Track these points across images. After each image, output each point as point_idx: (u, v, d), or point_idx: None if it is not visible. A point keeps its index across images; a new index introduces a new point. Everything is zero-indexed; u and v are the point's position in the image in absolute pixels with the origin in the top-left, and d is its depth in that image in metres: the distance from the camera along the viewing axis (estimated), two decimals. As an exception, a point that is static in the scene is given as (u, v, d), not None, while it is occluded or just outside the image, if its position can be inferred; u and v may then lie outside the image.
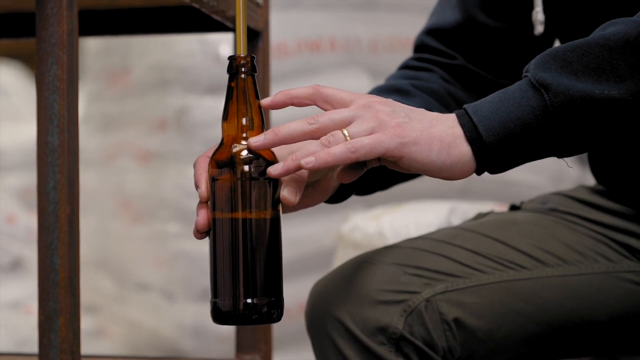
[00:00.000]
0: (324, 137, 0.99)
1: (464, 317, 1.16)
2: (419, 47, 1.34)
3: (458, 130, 1.01)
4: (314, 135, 1.00)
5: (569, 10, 1.25)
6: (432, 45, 1.32)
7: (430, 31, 1.33)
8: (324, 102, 1.03)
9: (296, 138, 1.01)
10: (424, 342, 1.14)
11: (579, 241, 1.24)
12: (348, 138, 0.98)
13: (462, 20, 1.31)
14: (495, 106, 1.01)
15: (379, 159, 1.02)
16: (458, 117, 1.02)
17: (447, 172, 1.01)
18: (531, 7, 1.27)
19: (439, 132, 1.00)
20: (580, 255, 1.23)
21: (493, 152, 1.01)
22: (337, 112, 1.01)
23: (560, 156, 1.03)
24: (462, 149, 1.01)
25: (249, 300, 0.97)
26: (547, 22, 1.27)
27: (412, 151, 0.99)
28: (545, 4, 1.26)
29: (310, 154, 0.98)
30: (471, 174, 1.03)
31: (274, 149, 1.01)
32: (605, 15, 1.14)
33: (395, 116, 1.00)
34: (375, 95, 1.04)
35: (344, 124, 1.00)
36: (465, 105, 1.03)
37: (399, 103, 1.03)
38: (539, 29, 1.25)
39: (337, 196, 1.15)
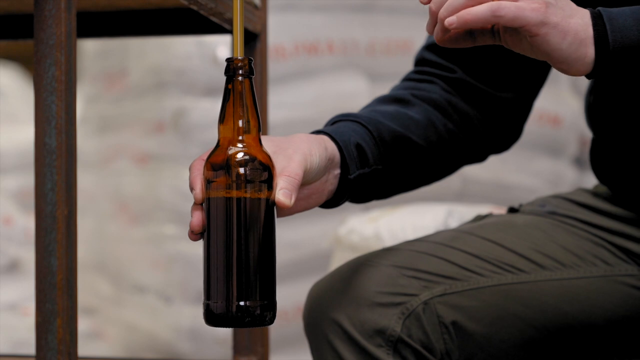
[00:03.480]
0: None
1: (462, 320, 1.16)
2: (419, 61, 1.34)
3: (591, 31, 1.03)
4: None
5: None
6: (432, 59, 1.32)
7: (429, 46, 1.33)
8: None
9: None
10: (421, 345, 1.14)
11: (577, 244, 1.24)
12: None
13: None
14: (630, 24, 1.03)
15: (496, 34, 1.04)
16: (592, 18, 1.04)
17: (566, 65, 1.04)
18: None
19: (575, 24, 1.03)
20: (579, 259, 1.23)
21: (612, 65, 1.03)
22: None
23: None
24: (589, 51, 1.03)
25: (241, 303, 0.96)
26: None
27: (548, 33, 1.01)
28: None
29: (454, 11, 1.01)
30: (582, 75, 1.05)
31: (270, 152, 1.01)
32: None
33: None
34: None
35: None
36: (601, 10, 1.05)
37: None
38: None
39: (332, 201, 1.15)
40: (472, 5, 1.02)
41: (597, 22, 1.04)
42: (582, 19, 1.04)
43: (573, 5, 1.05)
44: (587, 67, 1.04)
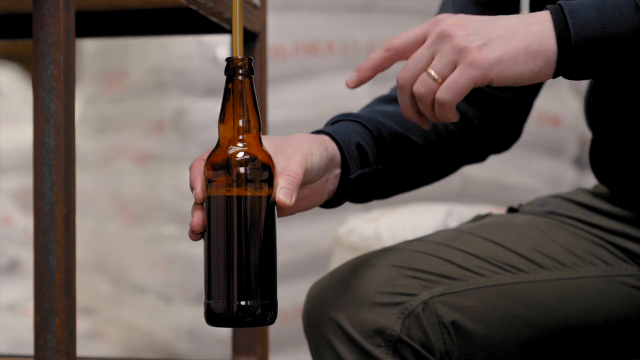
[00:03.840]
0: (417, 88, 1.02)
1: (461, 320, 1.16)
2: None
3: (546, 32, 1.02)
4: (402, 93, 1.05)
5: None
6: None
7: None
8: (402, 56, 1.06)
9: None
10: (421, 344, 1.14)
11: (577, 244, 1.24)
12: (436, 76, 1.01)
13: None
14: (592, 15, 1.01)
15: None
16: (553, 14, 1.02)
17: (535, 79, 1.03)
18: None
19: (521, 40, 1.01)
20: (578, 259, 1.23)
21: (576, 60, 1.02)
22: (416, 57, 1.03)
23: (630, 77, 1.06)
24: (549, 55, 1.02)
25: (242, 303, 0.96)
26: None
27: (499, 71, 1.00)
28: (532, 8, 1.26)
29: (418, 118, 1.06)
30: (551, 76, 1.04)
31: (270, 152, 1.01)
32: None
33: (473, 39, 1.01)
34: (444, 15, 1.04)
35: (427, 63, 1.02)
36: (562, 4, 1.03)
37: (471, 18, 1.03)
38: None
39: (333, 200, 1.15)
40: (428, 110, 1.04)
41: (559, 17, 1.02)
42: (527, 28, 1.02)
43: (511, 18, 1.03)
44: (553, 69, 1.03)
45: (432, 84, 1.02)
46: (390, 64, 1.08)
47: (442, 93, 1.01)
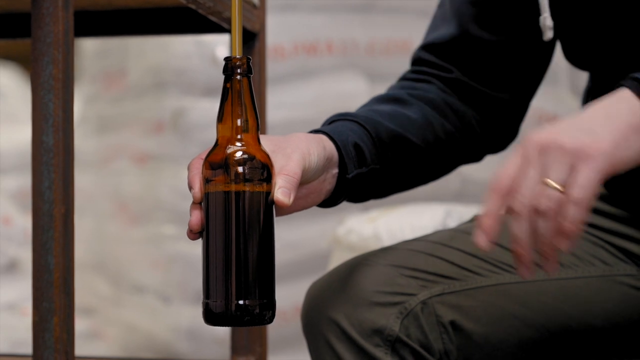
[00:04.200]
0: (541, 205, 0.96)
1: (460, 319, 1.16)
2: (416, 61, 1.34)
3: (638, 107, 0.98)
4: (519, 222, 0.98)
5: (575, 14, 1.24)
6: (428, 59, 1.32)
7: (426, 46, 1.33)
8: (513, 191, 0.99)
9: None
10: (420, 344, 1.14)
11: (575, 244, 1.24)
12: (559, 187, 0.96)
13: (457, 34, 1.31)
14: None
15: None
16: (633, 89, 0.99)
17: None
18: (527, 18, 1.27)
19: (620, 121, 0.98)
20: (577, 259, 1.23)
21: None
22: (525, 180, 0.97)
23: None
24: None
25: (241, 302, 0.96)
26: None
27: (620, 154, 0.96)
28: (552, 9, 1.25)
29: (558, 237, 0.97)
30: None
31: (269, 151, 1.01)
32: (610, 18, 1.14)
33: (580, 137, 0.96)
34: (533, 133, 0.99)
35: (539, 181, 0.97)
36: (636, 76, 1.00)
37: (560, 124, 0.99)
38: (549, 34, 1.24)
39: (330, 200, 1.15)
40: (553, 228, 0.98)
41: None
42: (617, 109, 0.99)
43: (595, 108, 1.00)
44: None
45: (557, 195, 0.96)
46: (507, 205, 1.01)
47: (577, 192, 0.95)
